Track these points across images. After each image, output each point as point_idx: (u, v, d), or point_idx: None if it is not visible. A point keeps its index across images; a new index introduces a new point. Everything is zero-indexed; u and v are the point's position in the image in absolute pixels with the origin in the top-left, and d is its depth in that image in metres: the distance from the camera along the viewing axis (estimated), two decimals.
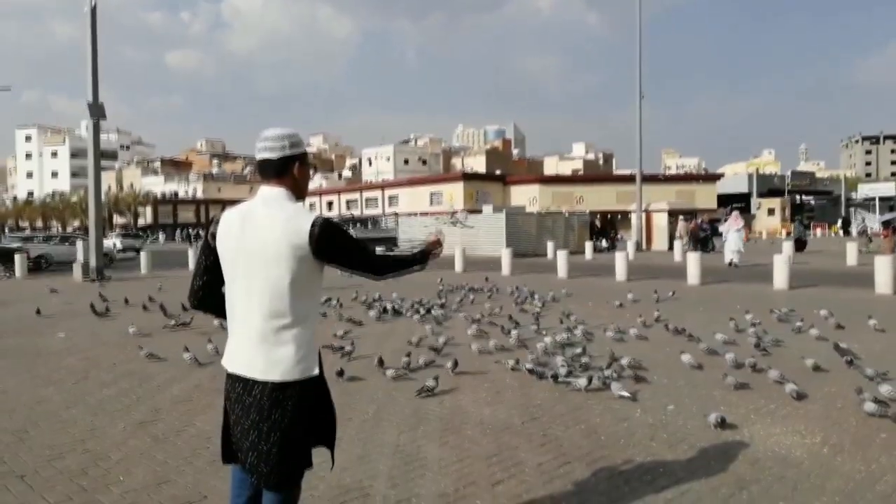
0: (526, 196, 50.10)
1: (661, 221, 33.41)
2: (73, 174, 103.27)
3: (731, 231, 19.12)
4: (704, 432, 4.39)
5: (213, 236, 2.34)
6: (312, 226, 2.19)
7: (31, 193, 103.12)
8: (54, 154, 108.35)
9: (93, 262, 18.09)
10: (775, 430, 4.47)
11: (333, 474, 3.75)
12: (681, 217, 30.22)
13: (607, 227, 35.35)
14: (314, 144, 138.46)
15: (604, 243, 32.03)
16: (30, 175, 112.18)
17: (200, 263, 2.41)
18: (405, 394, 5.50)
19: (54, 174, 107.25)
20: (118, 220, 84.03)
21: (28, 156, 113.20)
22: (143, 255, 21.49)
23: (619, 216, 42.07)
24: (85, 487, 3.67)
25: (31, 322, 9.94)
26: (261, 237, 2.21)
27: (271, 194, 2.30)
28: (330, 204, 72.10)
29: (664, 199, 36.97)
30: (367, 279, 2.47)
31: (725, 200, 53.95)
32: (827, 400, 5.14)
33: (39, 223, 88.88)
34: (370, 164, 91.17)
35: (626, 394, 5.25)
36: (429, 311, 9.96)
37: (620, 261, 15.77)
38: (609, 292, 12.64)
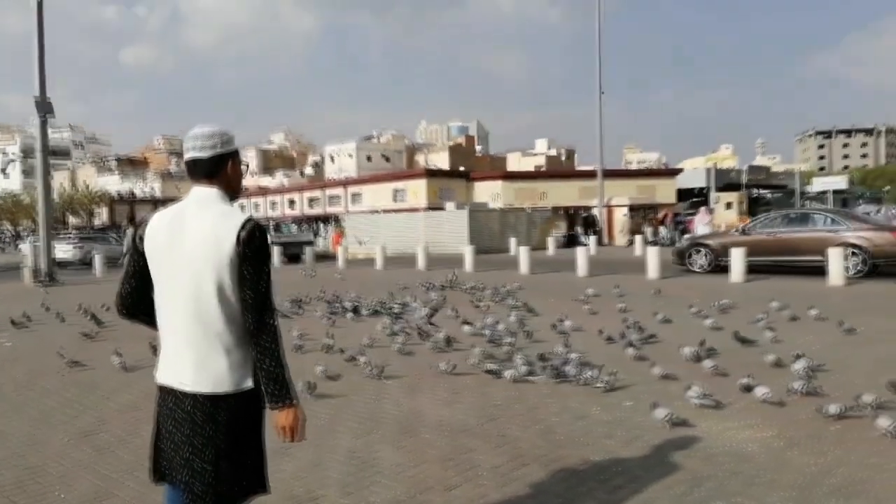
0: (489, 192, 50.22)
1: (622, 216, 33.80)
2: (25, 173, 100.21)
3: (701, 225, 19.80)
4: (660, 429, 4.39)
5: (142, 239, 2.20)
6: (241, 228, 2.06)
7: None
8: (3, 153, 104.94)
9: (42, 266, 17.52)
10: (729, 424, 4.49)
11: (284, 483, 3.65)
12: (623, 213, 30.58)
13: (592, 222, 35.00)
14: (275, 141, 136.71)
15: (584, 238, 30.92)
16: None
17: (128, 268, 2.27)
18: (363, 396, 5.40)
19: (4, 173, 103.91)
20: (73, 220, 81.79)
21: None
22: (97, 258, 20.91)
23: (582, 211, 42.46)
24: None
25: None
26: (188, 239, 2.09)
27: (203, 195, 2.17)
28: (292, 202, 71.28)
29: (625, 193, 37.44)
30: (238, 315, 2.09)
31: (685, 195, 54.86)
32: (781, 393, 5.19)
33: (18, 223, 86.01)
34: (333, 160, 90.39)
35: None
36: (391, 310, 9.86)
37: (581, 256, 15.87)
38: (570, 288, 12.68)
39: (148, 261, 2.19)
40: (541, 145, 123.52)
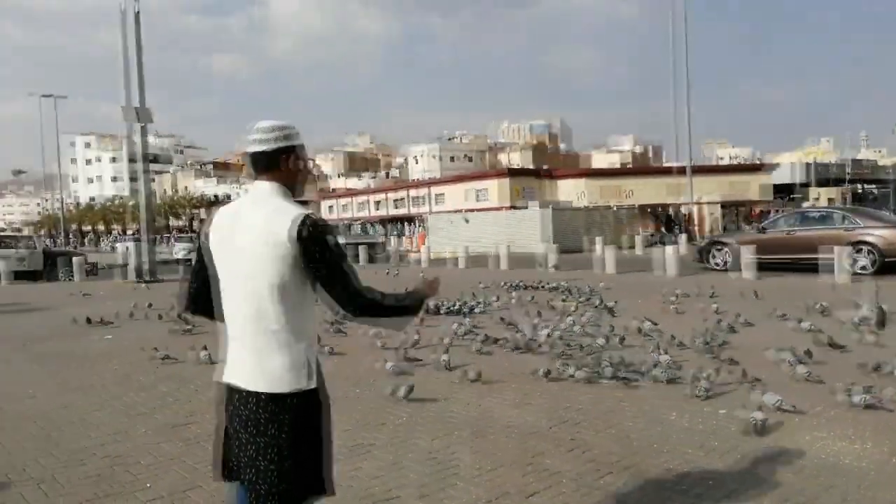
0: (573, 191, 49.53)
1: (712, 213, 32.50)
2: (132, 178, 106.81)
3: None
4: (745, 437, 4.18)
5: (206, 236, 2.22)
6: (299, 224, 2.03)
7: (92, 199, 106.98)
8: (113, 159, 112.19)
9: (144, 265, 18.59)
10: (820, 433, 4.22)
11: (361, 482, 3.70)
12: (712, 211, 29.21)
13: (683, 219, 33.76)
14: (360, 144, 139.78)
15: (673, 236, 29.76)
16: (91, 180, 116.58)
17: (194, 266, 2.32)
18: (442, 396, 5.41)
19: (113, 179, 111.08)
20: (174, 222, 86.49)
21: (87, 161, 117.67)
22: None
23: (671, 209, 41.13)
24: (108, 493, 3.69)
25: (78, 327, 10.16)
26: (247, 236, 2.08)
27: (260, 190, 2.17)
28: (378, 203, 72.63)
29: (716, 190, 36.00)
30: (335, 311, 2.20)
31: (781, 191, 52.20)
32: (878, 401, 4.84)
33: (101, 227, 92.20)
34: (416, 162, 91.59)
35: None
36: (471, 310, 9.89)
37: (670, 255, 15.37)
38: (657, 288, 12.29)
39: (212, 258, 2.21)
40: (625, 142, 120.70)
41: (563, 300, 10.81)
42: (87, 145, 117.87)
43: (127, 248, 24.37)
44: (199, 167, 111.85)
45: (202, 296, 2.31)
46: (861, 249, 13.67)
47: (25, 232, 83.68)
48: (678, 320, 8.75)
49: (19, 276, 19.84)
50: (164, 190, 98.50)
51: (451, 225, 30.76)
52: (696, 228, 32.57)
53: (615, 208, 31.22)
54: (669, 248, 15.54)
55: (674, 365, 5.92)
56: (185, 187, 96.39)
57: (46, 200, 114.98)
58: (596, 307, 9.66)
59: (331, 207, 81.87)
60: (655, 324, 7.89)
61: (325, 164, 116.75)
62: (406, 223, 60.49)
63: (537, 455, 4.02)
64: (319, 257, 2.05)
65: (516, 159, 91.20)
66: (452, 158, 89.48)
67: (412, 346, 7.28)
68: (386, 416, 4.95)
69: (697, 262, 16.33)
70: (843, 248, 12.82)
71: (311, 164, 2.38)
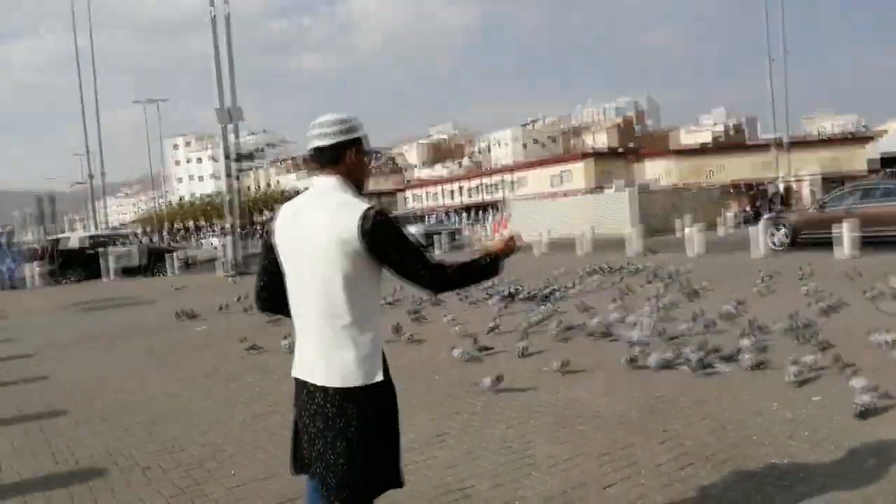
0: (656, 171, 47.94)
1: (807, 191, 30.67)
2: (228, 175, 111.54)
3: None
4: (855, 429, 3.83)
5: (271, 233, 2.21)
6: (363, 218, 2.00)
7: (192, 195, 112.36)
8: (208, 158, 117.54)
9: (234, 259, 19.31)
10: None
11: (436, 471, 3.64)
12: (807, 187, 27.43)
13: (780, 197, 31.73)
14: (437, 134, 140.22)
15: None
16: (186, 179, 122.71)
17: (261, 263, 2.30)
18: (519, 384, 5.28)
19: (211, 176, 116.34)
20: (263, 217, 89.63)
21: (187, 161, 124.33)
22: None
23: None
24: (197, 480, 3.79)
25: (177, 320, 10.61)
26: (311, 231, 2.06)
27: (324, 184, 2.14)
28: (455, 192, 72.80)
29: (812, 165, 33.93)
30: (419, 291, 2.23)
31: (890, 163, 48.49)
32: None
33: (202, 222, 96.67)
34: (494, 148, 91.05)
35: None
36: (547, 297, 9.67)
37: (760, 235, 14.56)
38: (746, 269, 11.64)
39: (278, 255, 2.19)
40: (714, 118, 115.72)
41: (647, 283, 10.41)
42: (188, 144, 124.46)
43: (212, 243, 25.47)
44: (288, 162, 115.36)
45: (271, 292, 2.28)
46: None
47: (131, 230, 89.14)
48: (768, 302, 8.25)
49: (123, 271, 21.05)
50: (258, 185, 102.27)
51: (531, 210, 30.35)
52: (795, 206, 30.78)
53: (703, 187, 29.88)
54: (761, 227, 14.69)
55: (763, 350, 5.56)
56: (277, 181, 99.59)
57: (151, 199, 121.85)
58: (680, 290, 9.19)
59: (412, 197, 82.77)
60: (740, 303, 7.48)
61: (408, 154, 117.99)
62: (485, 210, 60.34)
63: (626, 447, 3.83)
64: (389, 247, 2.04)
65: (600, 141, 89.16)
66: (530, 143, 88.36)
67: (489, 333, 7.18)
68: (461, 404, 4.87)
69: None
70: None
71: (374, 156, 2.28)
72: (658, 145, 75.02)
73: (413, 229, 28.34)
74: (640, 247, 17.04)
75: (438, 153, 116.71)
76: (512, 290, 10.19)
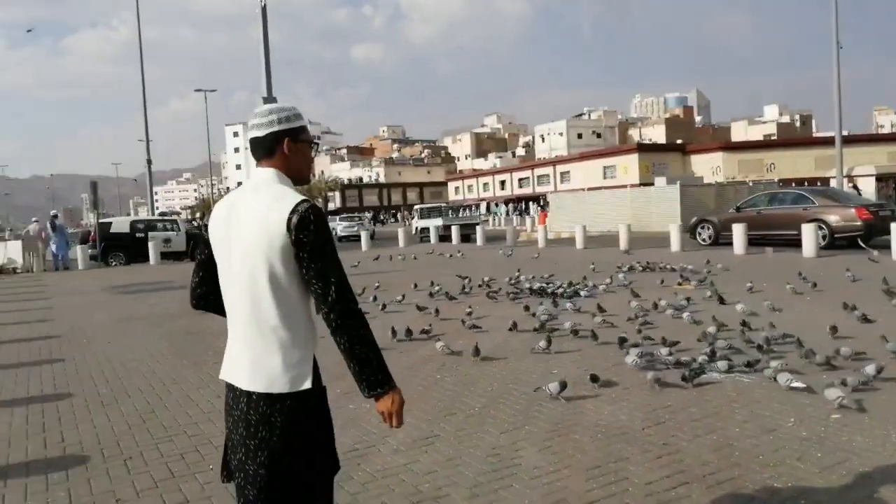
0: (708, 166, 46.59)
1: (868, 188, 29.28)
2: None
3: None
4: (877, 452, 3.50)
5: (206, 227, 2.09)
6: (292, 212, 1.85)
7: (240, 184, 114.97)
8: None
9: None
10: None
11: (415, 477, 3.48)
12: (867, 185, 26.06)
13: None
14: (488, 124, 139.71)
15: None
16: (239, 167, 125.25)
17: (198, 258, 2.16)
18: (522, 386, 5.07)
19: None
20: None
21: (236, 150, 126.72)
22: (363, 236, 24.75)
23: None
24: (175, 473, 3.72)
25: None
26: (242, 225, 1.93)
27: (258, 177, 2.00)
28: (503, 183, 72.36)
29: (873, 162, 32.38)
30: (319, 304, 1.90)
31: None
32: None
33: None
34: (543, 140, 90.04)
35: (799, 385, 4.48)
36: (575, 293, 9.38)
37: (809, 234, 13.86)
38: (790, 270, 11.07)
39: (213, 250, 2.06)
40: (770, 112, 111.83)
41: (679, 283, 10.00)
42: (235, 135, 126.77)
43: None
44: (333, 152, 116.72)
45: (208, 289, 2.14)
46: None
47: (184, 216, 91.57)
48: (806, 307, 7.79)
49: (165, 256, 21.49)
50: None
51: (574, 203, 29.78)
52: None
53: (751, 184, 28.79)
54: (810, 226, 14.00)
55: (788, 361, 5.19)
56: (322, 171, 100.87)
57: (202, 186, 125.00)
58: (709, 295, 8.68)
59: (457, 188, 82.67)
60: (775, 309, 7.05)
61: (459, 144, 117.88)
62: (529, 202, 59.79)
63: (620, 460, 3.59)
64: (310, 244, 1.87)
65: (649, 134, 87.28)
66: (580, 135, 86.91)
67: (510, 330, 6.97)
68: (459, 405, 4.69)
69: (691, 238, 17.88)
70: (809, 225, 14.17)
71: (314, 147, 2.12)
72: (718, 138, 72.97)
73: (431, 222, 27.98)
74: (680, 243, 16.50)
75: (490, 144, 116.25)
76: (539, 286, 9.93)
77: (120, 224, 22.99)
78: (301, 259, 1.87)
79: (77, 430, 4.57)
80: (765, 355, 5.40)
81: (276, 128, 2.00)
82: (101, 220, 22.81)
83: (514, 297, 9.50)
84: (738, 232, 15.17)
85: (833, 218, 15.24)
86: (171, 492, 3.49)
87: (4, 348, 7.83)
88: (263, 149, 2.01)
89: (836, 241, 15.03)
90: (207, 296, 2.16)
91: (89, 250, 21.43)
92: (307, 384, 1.93)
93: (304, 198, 1.92)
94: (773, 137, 74.51)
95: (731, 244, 15.35)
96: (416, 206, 38.83)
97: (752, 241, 15.46)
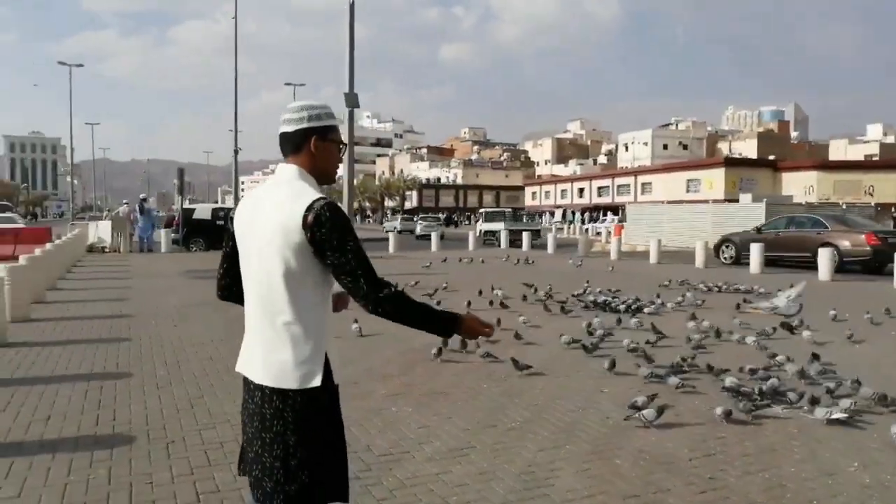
0: (801, 184, 44.39)
1: None
2: (356, 160, 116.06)
3: None
4: None
5: (232, 220, 2.11)
6: (308, 209, 1.87)
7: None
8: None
9: None
10: None
11: (444, 489, 3.40)
12: None
13: None
14: (571, 130, 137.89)
15: None
16: None
17: (224, 250, 2.20)
18: (569, 402, 4.90)
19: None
20: (389, 203, 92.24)
21: (346, 145, 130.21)
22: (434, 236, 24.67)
23: None
24: (212, 461, 3.78)
25: None
26: (262, 221, 1.96)
27: (282, 173, 2.03)
28: (581, 190, 71.26)
29: None
30: (355, 300, 1.95)
31: None
32: None
33: None
34: (626, 149, 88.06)
35: (841, 416, 4.18)
36: (639, 309, 9.07)
37: (825, 257, 13.05)
38: (878, 299, 10.33)
39: (237, 243, 2.10)
40: (873, 131, 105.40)
41: (753, 308, 9.49)
42: None
43: None
44: (414, 151, 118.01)
45: (232, 281, 2.19)
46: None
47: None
48: (889, 341, 7.24)
49: None
50: (383, 172, 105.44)
51: (652, 216, 28.90)
52: None
53: (844, 206, 27.15)
54: (826, 251, 13.59)
55: (859, 401, 4.81)
56: (401, 170, 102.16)
57: None
58: (782, 324, 8.11)
59: (534, 194, 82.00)
60: (854, 340, 6.57)
61: (540, 150, 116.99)
62: (606, 212, 58.60)
63: (660, 491, 3.40)
64: (330, 242, 1.88)
65: (739, 148, 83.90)
66: (665, 146, 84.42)
67: (570, 344, 6.78)
68: (500, 417, 4.58)
69: (714, 257, 18.51)
70: (824, 249, 14.73)
71: (341, 149, 2.12)
72: (814, 156, 69.49)
73: (494, 226, 28.22)
74: (761, 264, 15.76)
75: (571, 150, 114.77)
76: (603, 300, 9.66)
77: (202, 211, 23.85)
78: (324, 256, 1.89)
79: (129, 410, 4.73)
80: (830, 392, 5.02)
81: (305, 125, 2.02)
82: (184, 206, 23.75)
83: (567, 310, 9.15)
84: (755, 252, 15.93)
85: (844, 243, 15.79)
86: (204, 480, 3.54)
87: (81, 324, 8.25)
88: (291, 145, 2.03)
89: (844, 265, 15.51)
90: (231, 287, 2.20)
91: (172, 234, 22.41)
92: (316, 382, 1.94)
93: (321, 195, 1.94)
94: (874, 158, 70.22)
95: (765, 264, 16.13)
96: (481, 210, 39.26)
97: (770, 262, 16.34)
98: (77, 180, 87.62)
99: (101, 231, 23.09)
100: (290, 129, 2.02)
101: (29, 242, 16.33)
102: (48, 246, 13.91)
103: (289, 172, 2.01)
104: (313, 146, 2.02)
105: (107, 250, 21.84)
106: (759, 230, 17.95)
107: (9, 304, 8.19)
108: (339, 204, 1.96)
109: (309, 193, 1.92)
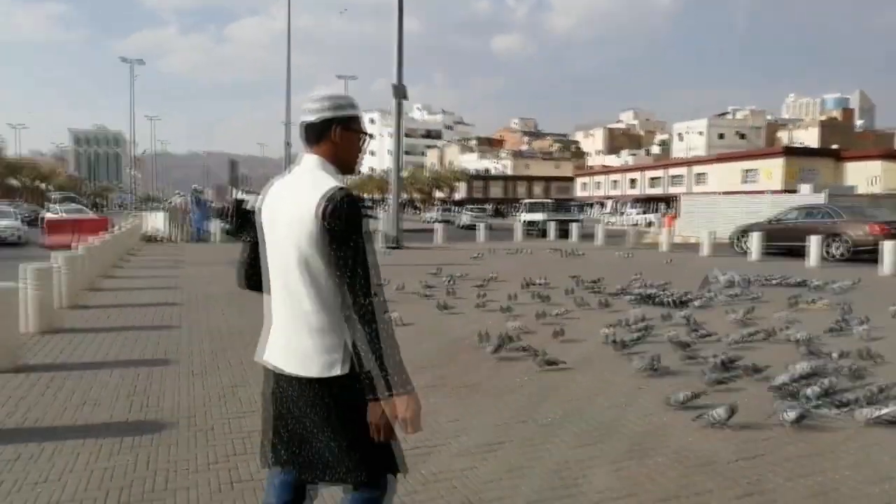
0: (865, 175, 42.55)
1: None
2: (406, 152, 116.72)
3: None
4: None
5: (258, 210, 2.12)
6: (325, 198, 1.86)
7: (372, 169, 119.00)
8: (388, 135, 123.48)
9: (391, 232, 19.97)
10: None
11: (470, 486, 3.34)
12: None
13: None
14: (623, 120, 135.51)
15: None
16: (373, 153, 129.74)
17: (245, 240, 2.22)
18: (609, 398, 4.78)
19: (390, 152, 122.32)
20: (438, 194, 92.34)
21: (371, 136, 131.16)
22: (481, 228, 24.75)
23: None
24: (248, 449, 3.81)
25: None
26: (283, 209, 1.97)
27: (304, 162, 2.04)
28: (633, 181, 69.95)
29: None
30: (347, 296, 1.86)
31: None
32: None
33: (377, 195, 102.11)
34: (681, 139, 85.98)
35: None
36: (687, 302, 8.81)
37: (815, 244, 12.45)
38: None
39: (260, 232, 2.11)
40: None
41: (809, 302, 9.10)
42: (371, 121, 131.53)
43: (377, 216, 26.89)
44: (463, 142, 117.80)
45: (254, 270, 2.19)
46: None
47: None
48: None
49: None
50: (432, 163, 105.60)
51: (706, 207, 28.08)
52: None
53: None
54: (815, 238, 13.16)
55: None
56: (450, 161, 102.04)
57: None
58: (841, 319, 7.71)
59: (585, 184, 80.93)
60: None
61: (592, 140, 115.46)
62: (659, 203, 57.38)
63: (699, 493, 3.27)
64: (340, 233, 1.87)
65: (800, 137, 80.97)
66: (722, 135, 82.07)
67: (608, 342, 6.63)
68: (535, 413, 4.48)
69: (732, 248, 19.18)
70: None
71: (364, 140, 2.11)
72: (881, 145, 66.50)
73: (535, 216, 28.22)
74: (818, 257, 15.15)
75: (623, 140, 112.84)
76: (649, 293, 9.43)
77: (253, 202, 24.36)
78: (332, 246, 1.87)
79: (172, 398, 4.81)
80: (883, 391, 4.75)
81: (327, 114, 2.02)
82: (236, 198, 24.27)
83: (605, 305, 8.90)
84: (755, 240, 16.98)
85: (851, 232, 16.50)
86: (236, 468, 3.57)
87: (132, 311, 8.48)
88: (314, 134, 2.04)
89: (852, 254, 16.19)
90: (253, 276, 2.21)
91: (223, 225, 22.92)
92: (337, 370, 1.93)
93: (340, 185, 1.93)
94: None
95: (771, 253, 17.30)
96: (523, 200, 39.21)
97: (785, 251, 17.38)
98: (139, 172, 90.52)
99: (156, 221, 23.81)
100: (312, 118, 2.02)
101: (88, 232, 16.92)
102: (106, 236, 14.39)
103: (311, 162, 2.02)
104: (336, 136, 2.03)
105: (162, 240, 22.50)
106: (778, 220, 18.65)
107: (66, 292, 8.51)
108: (357, 195, 1.92)
109: (327, 183, 1.92)
